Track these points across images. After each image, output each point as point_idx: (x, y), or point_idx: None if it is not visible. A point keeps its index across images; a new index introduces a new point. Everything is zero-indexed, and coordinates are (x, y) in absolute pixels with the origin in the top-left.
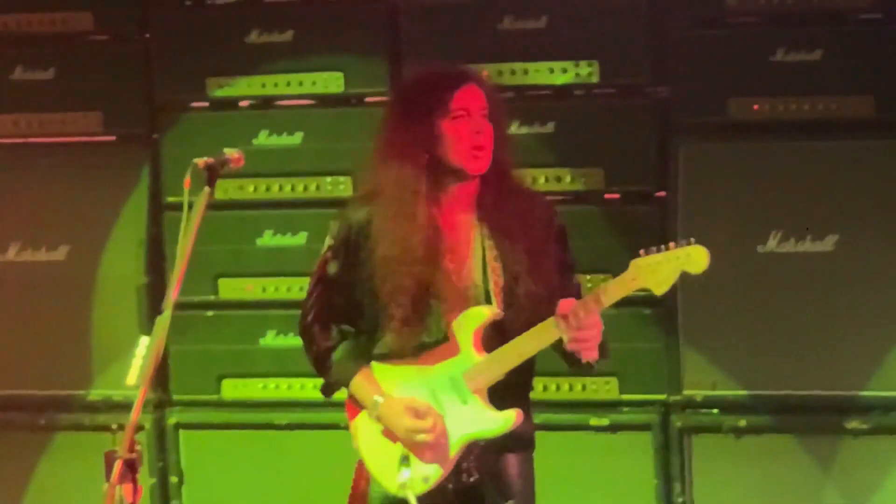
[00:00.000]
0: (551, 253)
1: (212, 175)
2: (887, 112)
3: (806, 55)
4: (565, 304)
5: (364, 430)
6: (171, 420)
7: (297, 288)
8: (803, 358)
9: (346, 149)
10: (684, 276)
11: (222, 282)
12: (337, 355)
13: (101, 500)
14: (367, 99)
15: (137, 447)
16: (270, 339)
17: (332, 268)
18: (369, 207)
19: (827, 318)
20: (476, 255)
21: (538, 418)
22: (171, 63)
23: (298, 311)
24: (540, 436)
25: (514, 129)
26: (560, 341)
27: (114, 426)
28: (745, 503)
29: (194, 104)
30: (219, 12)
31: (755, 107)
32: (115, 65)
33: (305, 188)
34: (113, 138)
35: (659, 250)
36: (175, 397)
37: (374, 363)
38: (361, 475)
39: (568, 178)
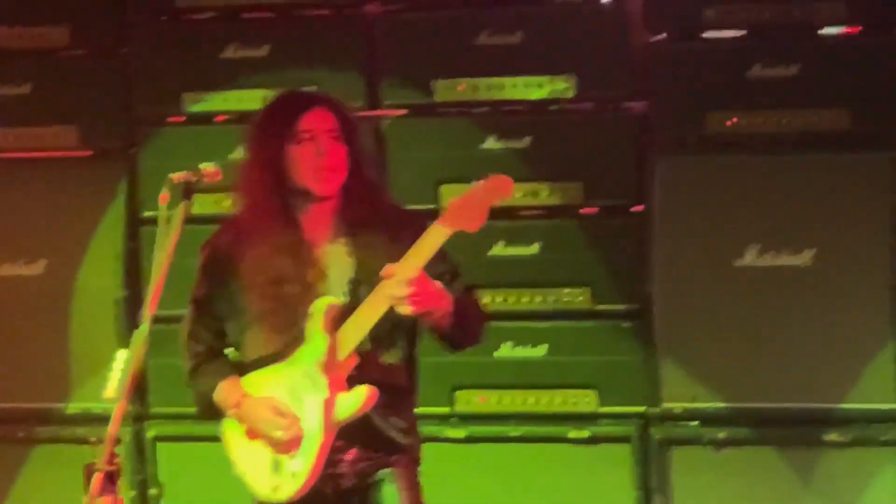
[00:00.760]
0: None
1: (188, 190)
2: (864, 126)
3: (783, 70)
4: (389, 267)
5: (230, 435)
6: (150, 433)
7: None
8: (782, 371)
9: None
10: (662, 289)
11: None
12: (204, 368)
13: None
14: None
15: (117, 459)
16: None
17: (202, 289)
18: (235, 230)
19: (805, 332)
20: (335, 269)
21: (518, 430)
22: (147, 78)
23: None
24: (519, 448)
25: (491, 143)
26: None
27: (93, 439)
28: None
29: (171, 119)
30: (195, 27)
31: (733, 121)
32: (92, 79)
33: None
34: (90, 153)
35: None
36: (153, 410)
37: (242, 375)
38: None
39: (545, 193)
